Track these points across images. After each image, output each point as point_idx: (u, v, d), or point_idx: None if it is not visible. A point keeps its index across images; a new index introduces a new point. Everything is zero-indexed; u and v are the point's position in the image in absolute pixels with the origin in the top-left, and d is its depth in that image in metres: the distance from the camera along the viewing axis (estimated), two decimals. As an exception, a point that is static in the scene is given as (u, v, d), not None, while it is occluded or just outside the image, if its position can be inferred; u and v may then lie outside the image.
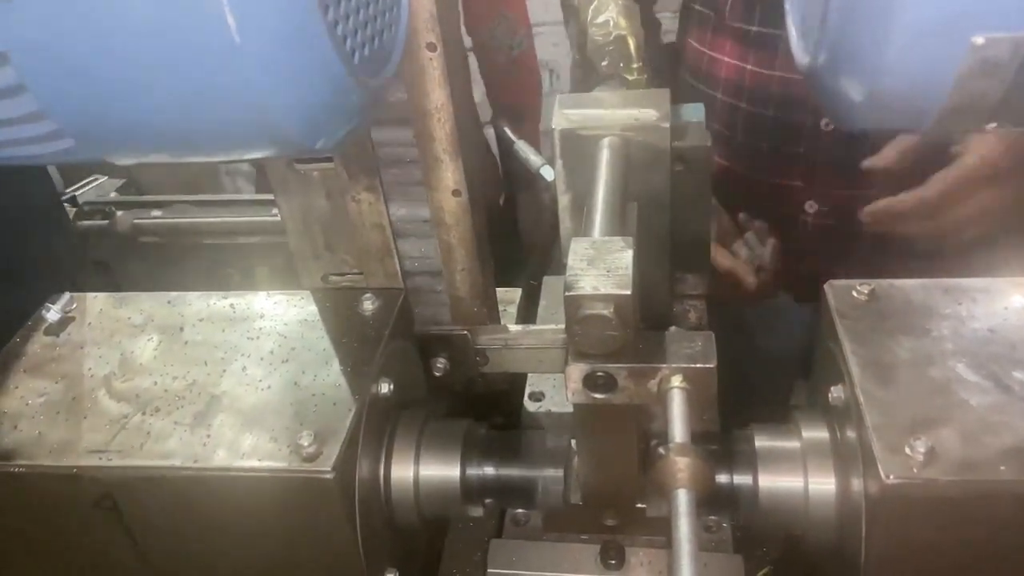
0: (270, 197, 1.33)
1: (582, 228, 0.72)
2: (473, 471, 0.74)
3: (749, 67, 1.15)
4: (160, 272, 1.28)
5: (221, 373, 0.72)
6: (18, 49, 0.43)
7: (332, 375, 0.71)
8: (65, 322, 0.80)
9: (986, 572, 0.58)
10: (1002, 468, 0.55)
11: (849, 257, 1.21)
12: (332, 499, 0.63)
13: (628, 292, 0.59)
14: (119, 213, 1.24)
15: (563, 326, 0.86)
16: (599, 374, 0.62)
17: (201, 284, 0.84)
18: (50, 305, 0.80)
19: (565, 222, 0.86)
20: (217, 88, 0.46)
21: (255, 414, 0.68)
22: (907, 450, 0.57)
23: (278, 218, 1.31)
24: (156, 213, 1.27)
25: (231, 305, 0.80)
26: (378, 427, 0.72)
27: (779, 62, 1.12)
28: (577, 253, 0.63)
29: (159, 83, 0.45)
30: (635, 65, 0.85)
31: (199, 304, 0.81)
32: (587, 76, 1.08)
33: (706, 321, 0.92)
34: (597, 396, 0.63)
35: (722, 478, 0.70)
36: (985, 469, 0.55)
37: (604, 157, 0.77)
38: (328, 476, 0.62)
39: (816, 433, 0.69)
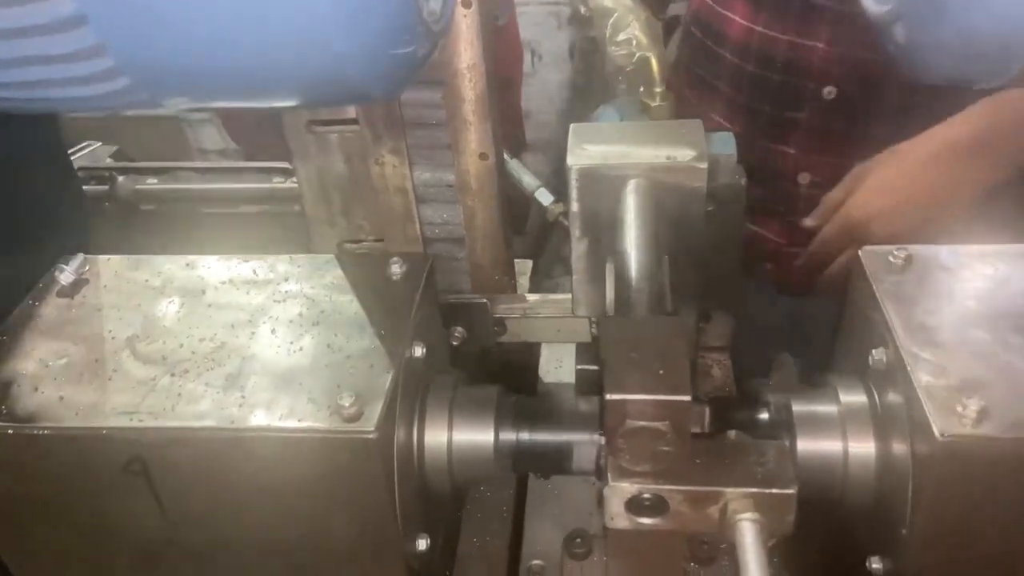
0: (273, 164, 1.31)
1: (611, 291, 0.65)
2: (506, 436, 0.73)
3: (759, 28, 1.14)
4: (155, 242, 1.25)
5: (250, 335, 0.70)
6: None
7: (365, 338, 0.69)
8: (79, 284, 0.77)
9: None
10: (1056, 426, 0.55)
11: None
12: (372, 460, 0.62)
13: (688, 397, 0.50)
14: (120, 178, 1.20)
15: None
16: (646, 495, 0.53)
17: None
18: (63, 267, 0.77)
19: (579, 271, 0.79)
20: (289, 27, 0.44)
21: (289, 376, 0.66)
22: (959, 408, 0.57)
23: (282, 185, 1.28)
24: (153, 180, 1.24)
25: (253, 269, 0.78)
26: (412, 391, 0.71)
27: (789, 25, 1.11)
28: (613, 336, 0.54)
29: (226, 21, 0.43)
30: (658, 89, 0.81)
31: (219, 267, 0.78)
32: (589, 83, 1.05)
33: (732, 379, 0.88)
34: (643, 521, 0.54)
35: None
36: (1039, 427, 0.55)
37: (632, 203, 0.69)
38: (371, 436, 0.61)
39: (854, 397, 0.69)
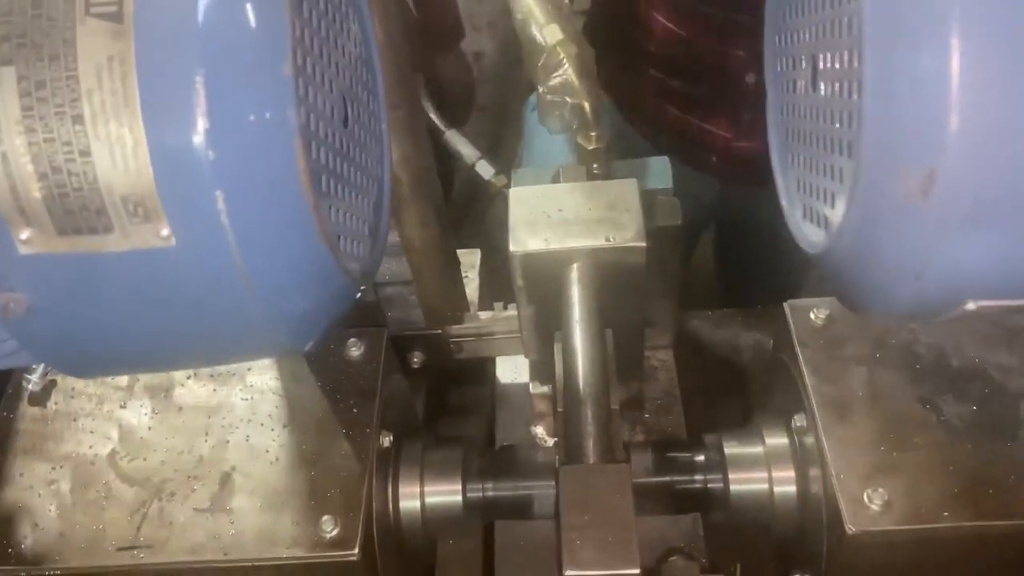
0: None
1: (560, 368, 0.72)
2: (474, 494, 0.80)
3: None
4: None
5: (225, 445, 0.75)
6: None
7: (336, 440, 0.74)
8: (48, 389, 0.80)
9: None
10: (945, 514, 0.65)
11: None
12: (359, 572, 0.70)
13: (636, 570, 0.57)
14: None
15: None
16: None
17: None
18: (28, 376, 0.79)
19: (528, 330, 0.83)
20: (223, 332, 0.45)
21: (270, 493, 0.72)
22: (866, 499, 0.65)
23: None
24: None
25: (215, 358, 0.81)
26: (383, 474, 0.77)
27: None
28: (570, 493, 0.61)
29: (163, 337, 0.45)
30: (593, 133, 0.80)
31: (181, 355, 0.81)
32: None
33: (676, 379, 0.94)
34: None
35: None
36: (932, 517, 0.64)
37: (575, 293, 0.74)
38: (355, 559, 0.68)
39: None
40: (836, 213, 0.43)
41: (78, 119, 0.35)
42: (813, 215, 0.48)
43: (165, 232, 0.37)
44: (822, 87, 0.44)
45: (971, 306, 0.40)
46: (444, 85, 1.31)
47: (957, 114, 0.34)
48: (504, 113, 1.89)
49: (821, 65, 0.44)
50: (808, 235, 0.48)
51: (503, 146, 1.54)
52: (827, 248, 0.45)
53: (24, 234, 0.36)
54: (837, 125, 0.41)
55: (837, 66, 0.41)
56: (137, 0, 0.35)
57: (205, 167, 0.36)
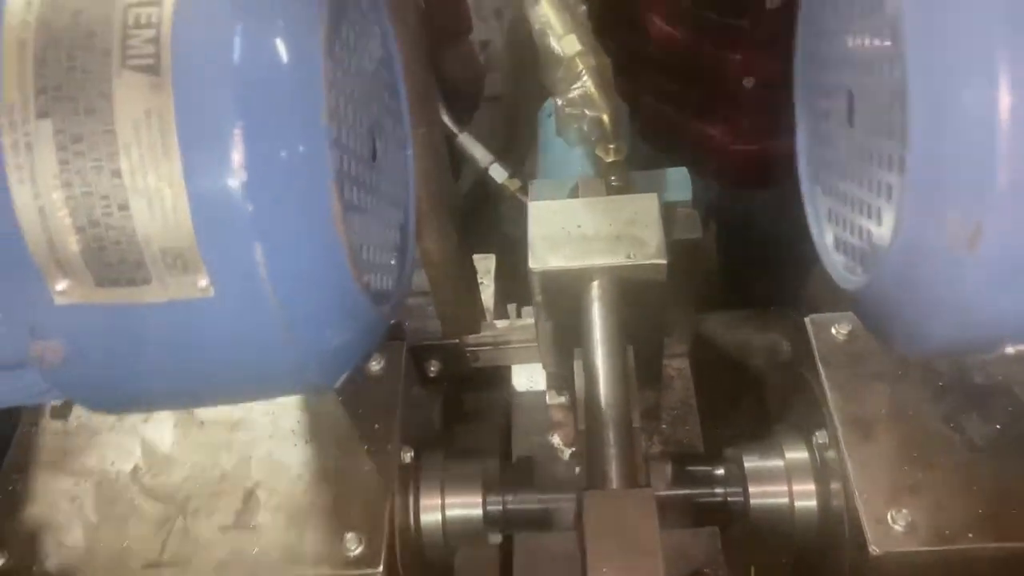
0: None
1: (580, 382, 0.72)
2: (494, 507, 0.80)
3: None
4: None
5: (248, 461, 0.75)
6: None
7: (358, 456, 0.74)
8: (69, 402, 0.80)
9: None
10: (970, 535, 0.65)
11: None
12: (384, 590, 0.70)
13: None
14: None
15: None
16: None
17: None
18: (50, 390, 0.80)
19: (545, 342, 0.83)
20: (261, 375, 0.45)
21: (294, 510, 0.72)
22: (889, 520, 0.65)
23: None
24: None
25: (236, 372, 0.81)
26: (405, 488, 0.77)
27: None
28: (594, 519, 0.61)
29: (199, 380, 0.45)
30: (612, 145, 0.79)
31: (201, 369, 0.81)
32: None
33: (692, 389, 0.94)
34: None
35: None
36: (956, 537, 0.65)
37: (596, 311, 0.73)
38: (380, 576, 0.68)
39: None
40: (872, 251, 0.43)
41: (116, 173, 0.35)
42: (846, 248, 0.47)
43: (203, 283, 0.37)
44: (859, 124, 0.43)
45: (1010, 350, 0.40)
46: (452, 78, 1.30)
47: (1006, 168, 0.33)
48: (515, 104, 1.87)
49: (858, 103, 0.43)
50: (839, 266, 0.48)
51: (515, 141, 1.52)
52: (860, 285, 0.45)
53: (61, 285, 0.36)
54: (875, 166, 0.41)
55: (875, 107, 0.41)
56: (175, 53, 0.34)
57: (244, 218, 0.36)
